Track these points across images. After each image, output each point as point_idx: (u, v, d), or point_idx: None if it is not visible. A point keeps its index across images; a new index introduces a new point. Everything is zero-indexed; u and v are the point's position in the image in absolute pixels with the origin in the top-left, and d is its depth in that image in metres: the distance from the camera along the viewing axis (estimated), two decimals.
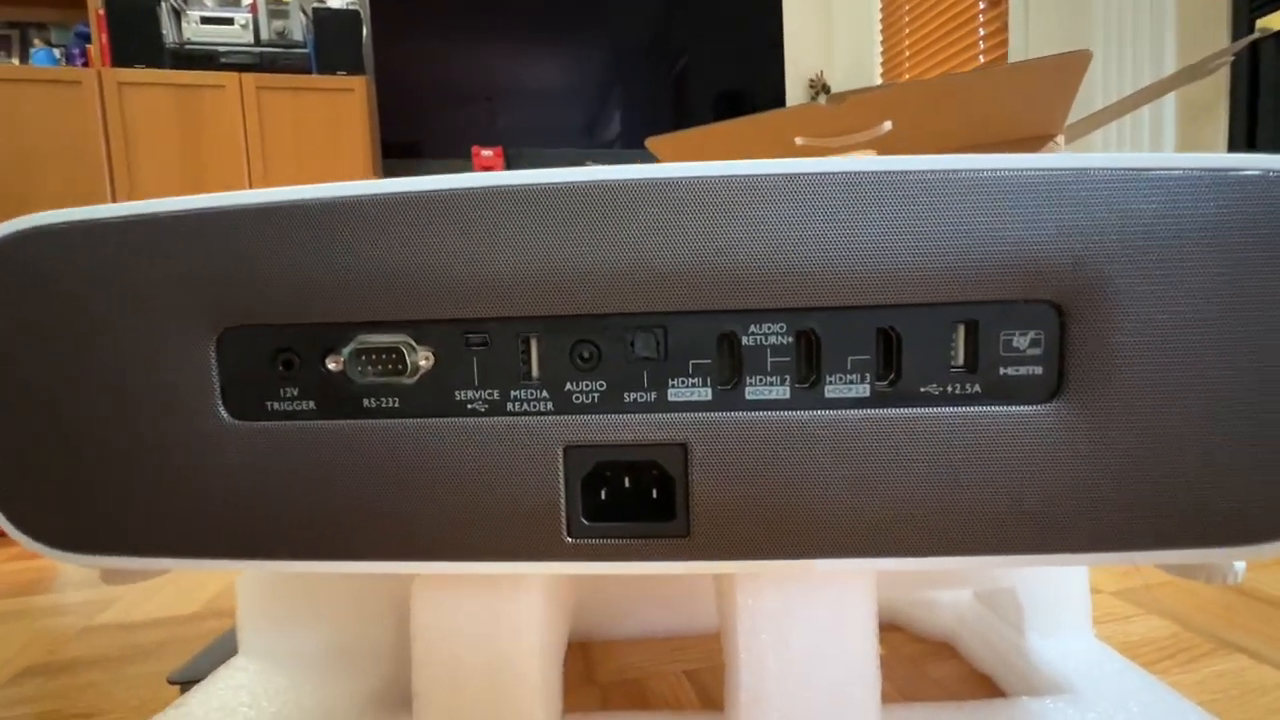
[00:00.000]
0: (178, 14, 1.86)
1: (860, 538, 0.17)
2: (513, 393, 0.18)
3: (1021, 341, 0.17)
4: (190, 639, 0.39)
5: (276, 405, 0.18)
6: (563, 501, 0.17)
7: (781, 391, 0.17)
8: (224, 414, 0.18)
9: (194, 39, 1.86)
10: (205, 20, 1.87)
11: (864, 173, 0.16)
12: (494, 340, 0.17)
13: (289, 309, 0.18)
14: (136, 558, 0.19)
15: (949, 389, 0.17)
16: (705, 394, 0.17)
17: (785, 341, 0.17)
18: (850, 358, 0.17)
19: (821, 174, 0.16)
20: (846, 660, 0.20)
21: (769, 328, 0.17)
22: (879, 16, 2.18)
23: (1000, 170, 0.16)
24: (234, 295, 0.17)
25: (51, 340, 0.18)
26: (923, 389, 0.17)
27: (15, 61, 1.85)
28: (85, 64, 1.80)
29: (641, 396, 0.17)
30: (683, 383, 0.17)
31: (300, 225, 0.17)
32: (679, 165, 0.16)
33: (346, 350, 0.18)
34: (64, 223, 0.18)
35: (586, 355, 0.17)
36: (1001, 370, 0.17)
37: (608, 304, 0.17)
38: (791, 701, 0.20)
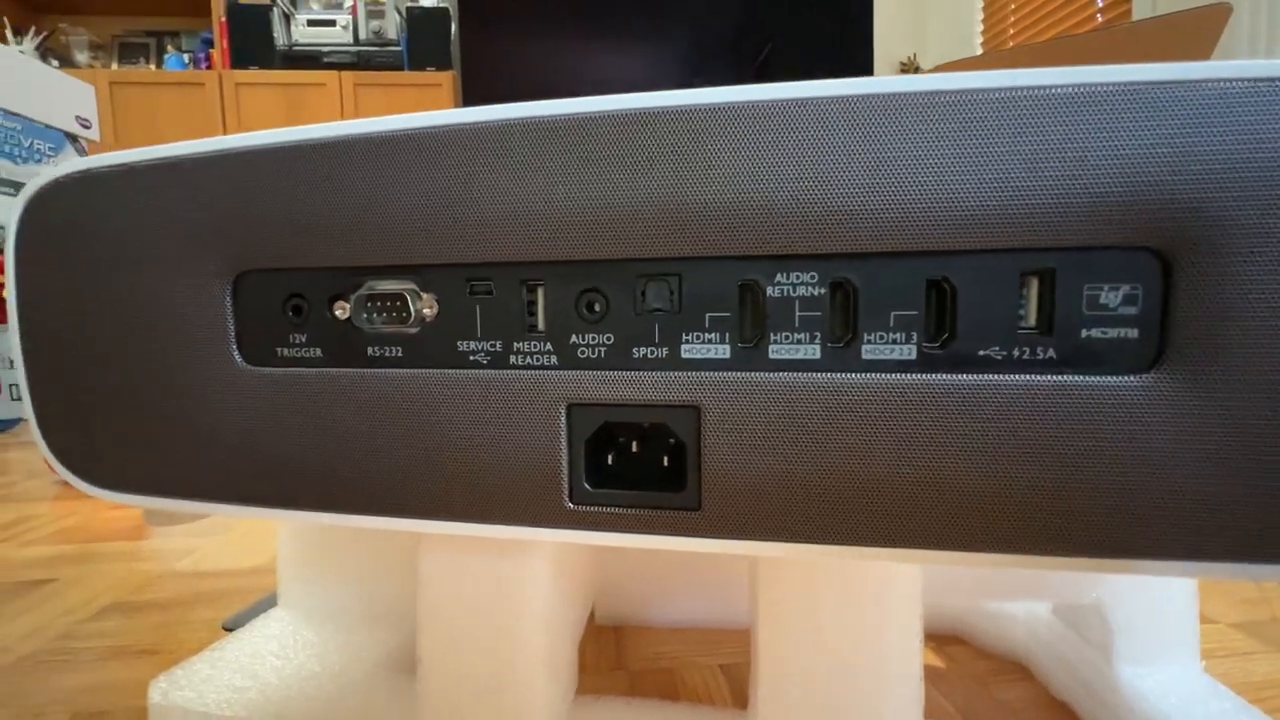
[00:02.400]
0: (287, 18, 2.00)
1: (898, 526, 0.15)
2: (516, 345, 0.16)
3: (1112, 297, 0.14)
4: (251, 590, 0.41)
5: (286, 351, 0.18)
6: (565, 464, 0.16)
7: (810, 351, 0.15)
8: (238, 359, 0.18)
9: (301, 41, 1.99)
10: (311, 23, 2.00)
11: (910, 93, 0.13)
12: (498, 288, 0.16)
13: (299, 253, 0.17)
14: (161, 498, 0.20)
15: (1015, 354, 0.14)
16: (723, 351, 0.15)
17: (817, 293, 0.15)
18: (894, 313, 0.14)
19: (857, 95, 0.14)
20: (883, 670, 0.17)
21: (798, 277, 0.15)
22: None
23: (1081, 85, 0.13)
24: (247, 238, 0.17)
25: (85, 284, 0.19)
26: (982, 353, 0.14)
27: (152, 67, 2.05)
28: (209, 67, 1.97)
29: (652, 352, 0.16)
30: (698, 338, 0.15)
31: (306, 165, 0.17)
32: (682, 93, 0.14)
33: (353, 297, 0.17)
34: (99, 168, 0.18)
35: (593, 306, 0.16)
36: (1084, 332, 0.14)
37: (615, 248, 0.15)
38: (815, 712, 0.17)
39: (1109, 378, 0.14)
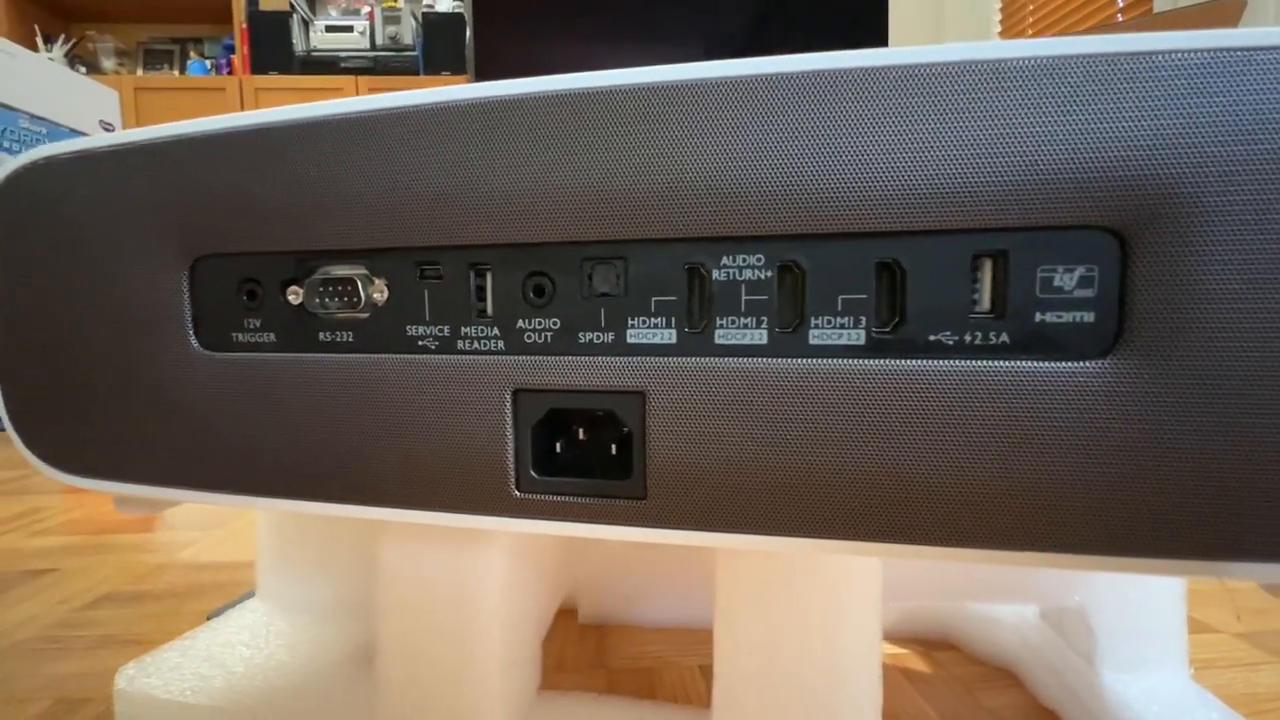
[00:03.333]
0: (306, 24, 2.03)
1: (848, 518, 0.14)
2: (464, 329, 0.16)
3: (1067, 279, 0.13)
4: (246, 583, 0.42)
5: (241, 337, 0.18)
6: (510, 450, 0.16)
7: (757, 336, 0.14)
8: (195, 344, 0.18)
9: (319, 46, 2.02)
10: (329, 29, 2.03)
11: (856, 69, 0.13)
12: (446, 272, 0.16)
13: (253, 237, 0.17)
14: (126, 484, 0.20)
15: (967, 338, 0.14)
16: (668, 337, 0.15)
17: (763, 277, 0.14)
18: (842, 297, 0.14)
19: (801, 73, 0.13)
20: (840, 670, 0.17)
21: (744, 260, 0.14)
22: None
23: (1032, 58, 0.12)
24: (204, 223, 0.17)
25: (51, 270, 0.19)
26: (933, 337, 0.14)
27: (176, 73, 2.10)
28: (230, 72, 2.01)
29: (598, 337, 0.15)
30: (643, 323, 0.15)
31: (257, 150, 0.17)
32: (624, 73, 0.14)
33: (306, 282, 0.17)
34: (65, 153, 0.18)
35: (541, 290, 0.16)
36: (1039, 316, 0.13)
37: (560, 231, 0.15)
38: (772, 711, 0.17)
39: (1064, 363, 0.13)
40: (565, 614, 0.36)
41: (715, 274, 0.15)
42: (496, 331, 0.16)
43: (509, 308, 0.16)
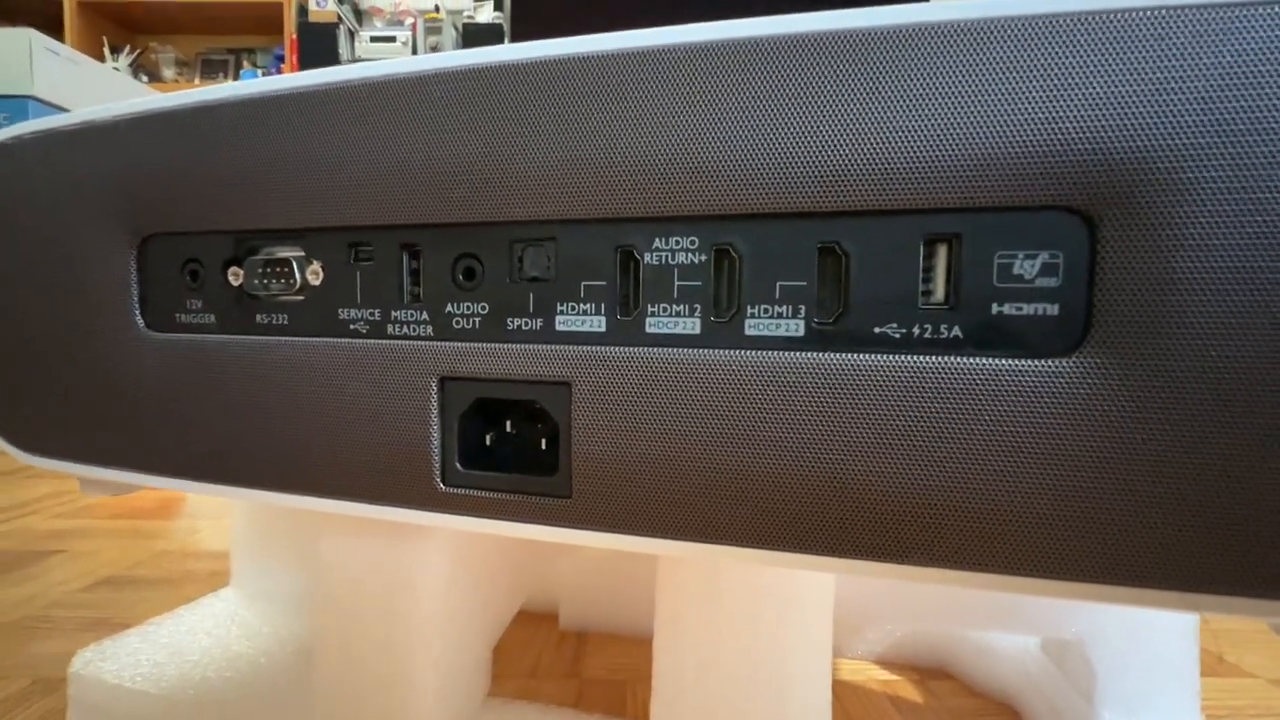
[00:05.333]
0: (352, 34, 2.10)
1: (783, 526, 0.13)
2: (394, 313, 0.16)
3: (1027, 267, 0.12)
4: None
5: (184, 318, 0.18)
6: (436, 441, 0.15)
7: (690, 325, 0.13)
8: (141, 324, 0.18)
9: (364, 56, 2.09)
10: (374, 39, 2.09)
11: (791, 35, 0.12)
12: (377, 254, 0.16)
13: (196, 216, 0.17)
14: (83, 465, 0.20)
15: (916, 332, 0.12)
16: (598, 324, 0.14)
17: (697, 260, 0.13)
18: (780, 284, 0.13)
19: (737, 40, 0.12)
20: (786, 692, 0.15)
21: (677, 242, 0.13)
22: None
23: (983, 19, 0.11)
24: (151, 201, 0.17)
25: (14, 249, 0.19)
26: (878, 329, 0.12)
27: (230, 81, 2.19)
28: None
29: (527, 324, 0.14)
30: (572, 309, 0.14)
31: (201, 127, 0.16)
32: (554, 43, 0.13)
33: (246, 262, 0.17)
34: (28, 133, 0.19)
35: (470, 272, 0.15)
36: (995, 308, 0.12)
37: (485, 210, 0.14)
38: None
39: (1024, 360, 0.11)
40: (547, 619, 0.35)
41: (647, 257, 0.14)
42: (426, 316, 0.15)
43: (438, 291, 0.15)
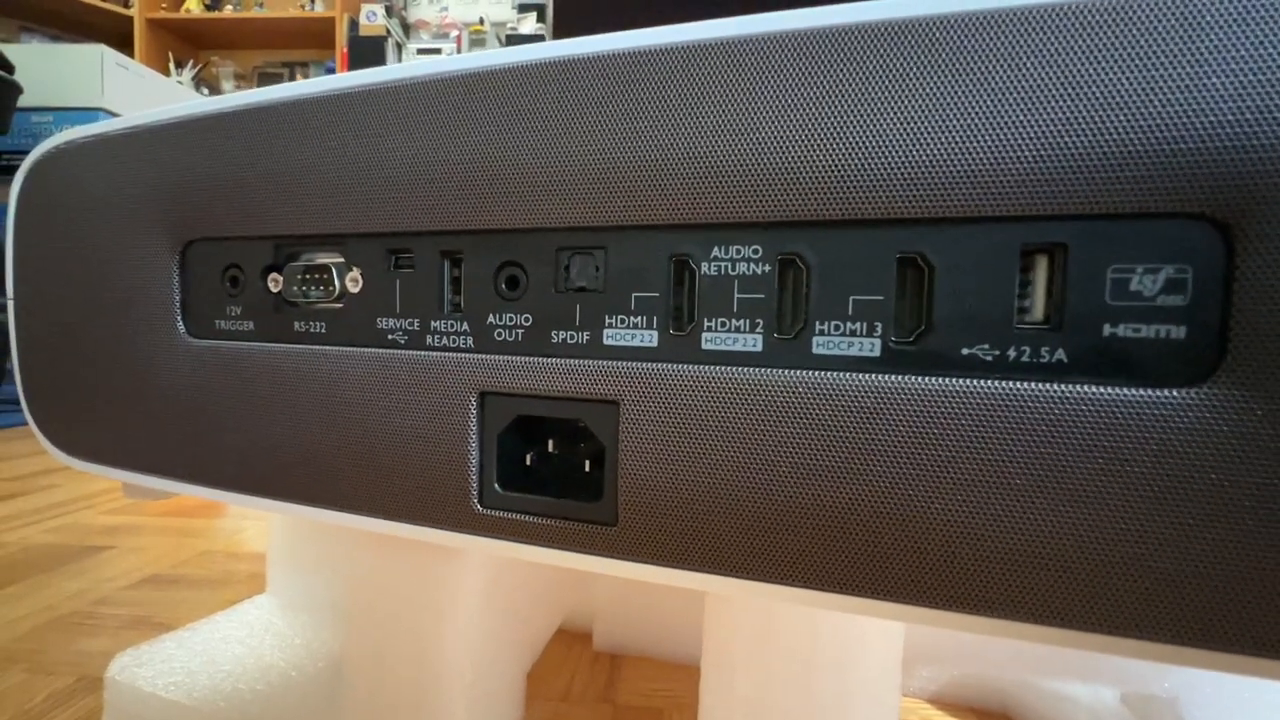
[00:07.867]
0: (400, 47, 2.16)
1: (851, 567, 0.12)
2: (433, 323, 0.15)
3: (1148, 283, 0.10)
4: None
5: (223, 324, 0.17)
6: (474, 460, 0.14)
7: (751, 342, 0.12)
8: (182, 330, 0.18)
9: None
10: (420, 51, 2.15)
11: (866, 24, 0.11)
12: (418, 261, 0.15)
13: (238, 221, 0.17)
14: (125, 471, 0.20)
15: (1012, 354, 0.11)
16: (649, 339, 0.13)
17: (760, 271, 0.12)
18: (854, 298, 0.12)
19: (802, 30, 0.11)
20: None
21: (738, 251, 0.12)
22: None
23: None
24: (195, 205, 0.17)
25: (64, 254, 0.19)
26: (966, 351, 0.11)
27: None
28: None
29: (572, 337, 0.14)
30: (622, 322, 0.13)
31: (243, 131, 0.16)
32: (611, 36, 0.12)
33: (286, 269, 0.16)
34: (82, 138, 0.19)
35: (513, 281, 0.14)
36: (1109, 329, 0.10)
37: (533, 215, 0.13)
38: None
39: (1143, 390, 0.10)
40: (580, 638, 0.34)
41: (704, 267, 0.12)
42: (466, 327, 0.14)
43: (480, 301, 0.14)
